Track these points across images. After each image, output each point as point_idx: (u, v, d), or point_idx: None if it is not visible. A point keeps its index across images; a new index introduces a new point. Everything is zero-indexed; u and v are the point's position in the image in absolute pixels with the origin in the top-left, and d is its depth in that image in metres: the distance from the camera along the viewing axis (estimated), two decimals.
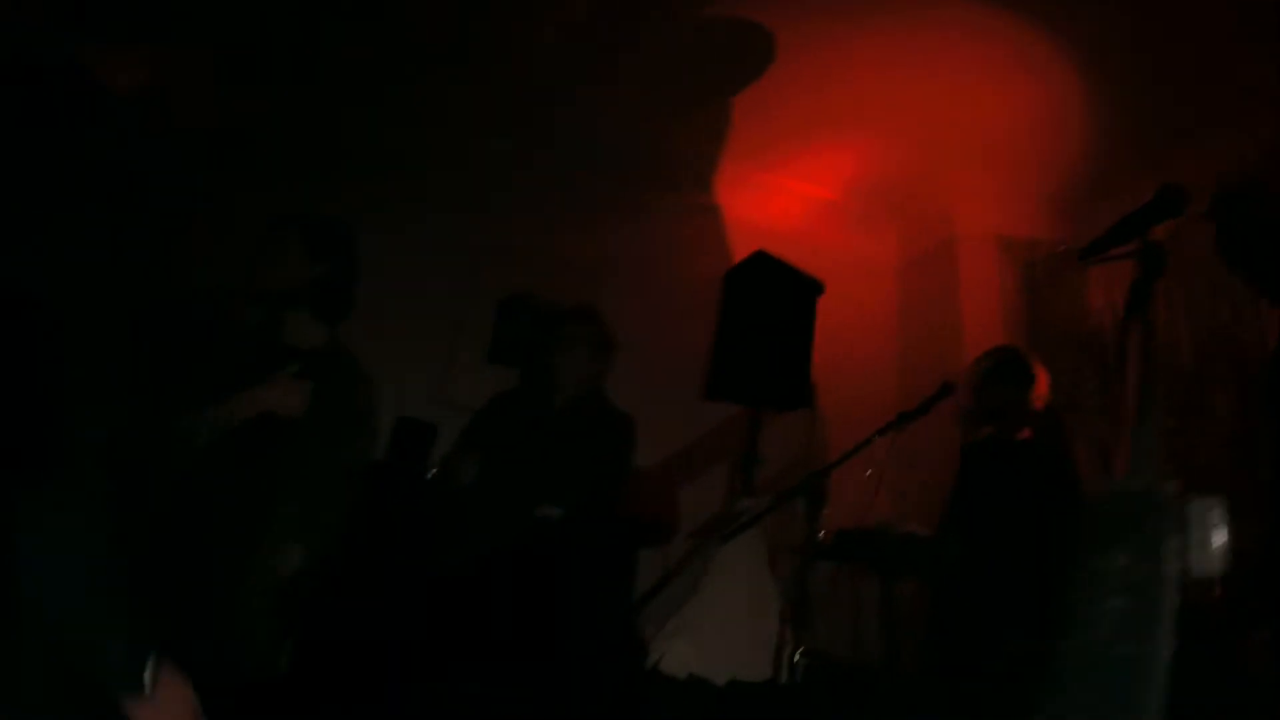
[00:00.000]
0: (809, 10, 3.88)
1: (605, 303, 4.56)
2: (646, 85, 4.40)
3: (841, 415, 4.33)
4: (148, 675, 1.08)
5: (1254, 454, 3.57)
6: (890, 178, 4.94)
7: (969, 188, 4.87)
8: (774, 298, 3.99)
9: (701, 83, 4.39)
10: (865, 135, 4.65)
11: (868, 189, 5.13)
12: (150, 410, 2.11)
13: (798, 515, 3.57)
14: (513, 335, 4.31)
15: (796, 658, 3.12)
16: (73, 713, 1.10)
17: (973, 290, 4.87)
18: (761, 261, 4.00)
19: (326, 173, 4.07)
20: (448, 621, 2.85)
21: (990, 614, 3.00)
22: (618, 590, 3.72)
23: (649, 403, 4.55)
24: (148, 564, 1.23)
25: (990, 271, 4.91)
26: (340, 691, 2.80)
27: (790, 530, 4.45)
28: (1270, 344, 3.24)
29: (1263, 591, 1.72)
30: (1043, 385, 3.27)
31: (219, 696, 1.22)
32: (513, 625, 2.84)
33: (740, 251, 4.28)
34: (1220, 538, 0.45)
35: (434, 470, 3.14)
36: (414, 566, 3.04)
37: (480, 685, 2.70)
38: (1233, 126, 3.87)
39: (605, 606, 3.45)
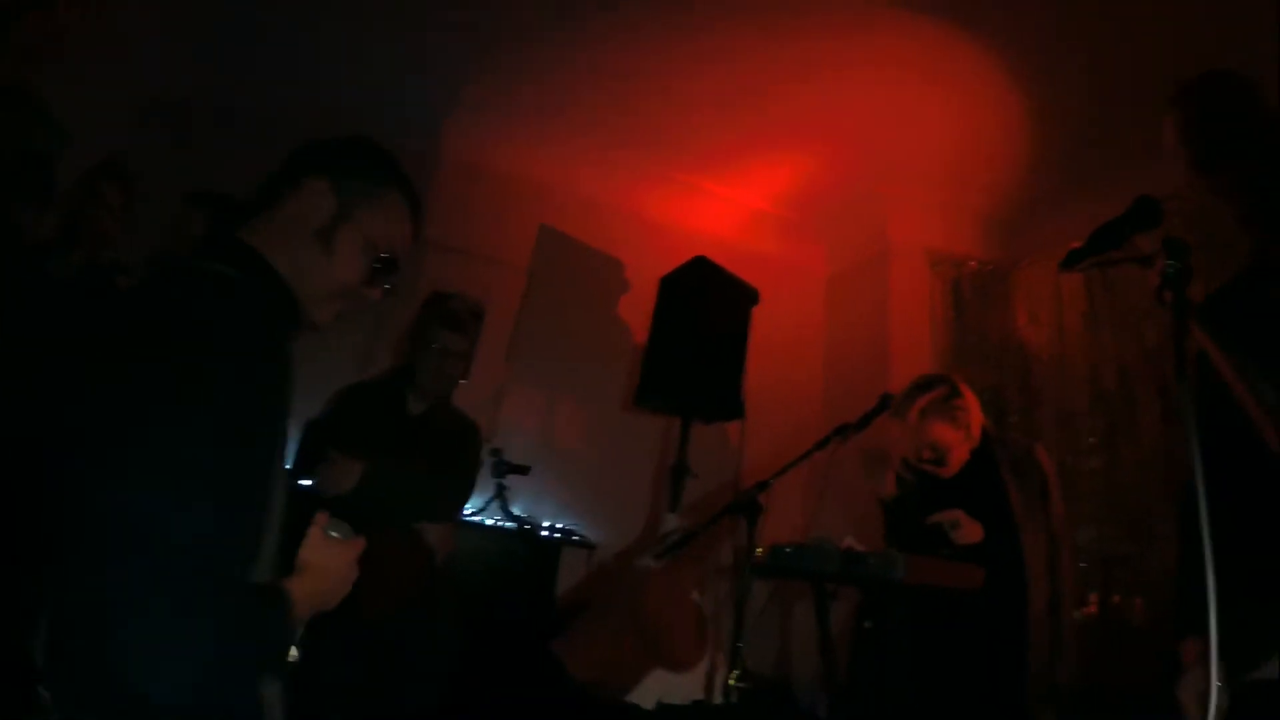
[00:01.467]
0: (756, 24, 3.81)
1: (537, 303, 4.42)
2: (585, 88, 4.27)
3: (766, 427, 4.22)
4: None
5: (1176, 474, 3.63)
6: (825, 191, 4.93)
7: (902, 203, 4.90)
8: (711, 304, 3.88)
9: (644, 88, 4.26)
10: (802, 148, 4.63)
11: (802, 201, 5.09)
12: None
13: (731, 531, 3.44)
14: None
15: (732, 680, 2.98)
16: None
17: (902, 303, 4.87)
18: (700, 267, 3.89)
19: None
20: None
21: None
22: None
23: (577, 409, 4.39)
24: None
25: (919, 285, 4.92)
26: None
27: (722, 547, 4.32)
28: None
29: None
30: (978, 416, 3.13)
31: None
32: None
33: (675, 258, 4.15)
34: None
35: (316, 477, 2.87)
36: None
37: None
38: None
39: None
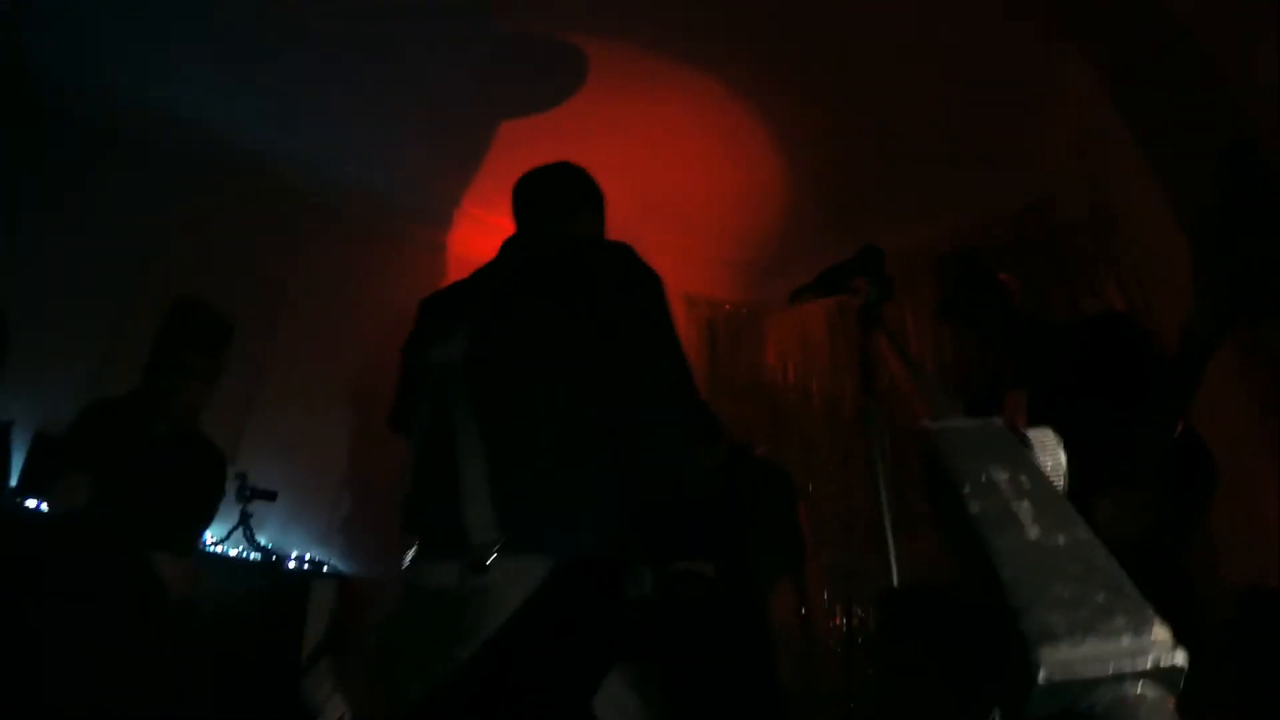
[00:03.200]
0: (533, 64, 3.93)
1: (292, 320, 4.20)
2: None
3: None
4: None
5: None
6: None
7: (662, 247, 5.12)
8: None
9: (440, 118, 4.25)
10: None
11: None
12: None
13: None
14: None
15: None
16: None
17: None
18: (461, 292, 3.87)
19: None
20: None
21: None
22: None
23: (333, 431, 4.20)
24: None
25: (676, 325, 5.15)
26: None
27: None
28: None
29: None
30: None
31: None
32: None
33: (440, 282, 4.12)
34: (1062, 461, 0.41)
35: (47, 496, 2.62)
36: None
37: None
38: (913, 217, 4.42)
39: None
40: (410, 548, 1.54)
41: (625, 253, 1.66)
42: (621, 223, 4.84)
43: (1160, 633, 0.28)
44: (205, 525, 3.04)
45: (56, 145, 3.85)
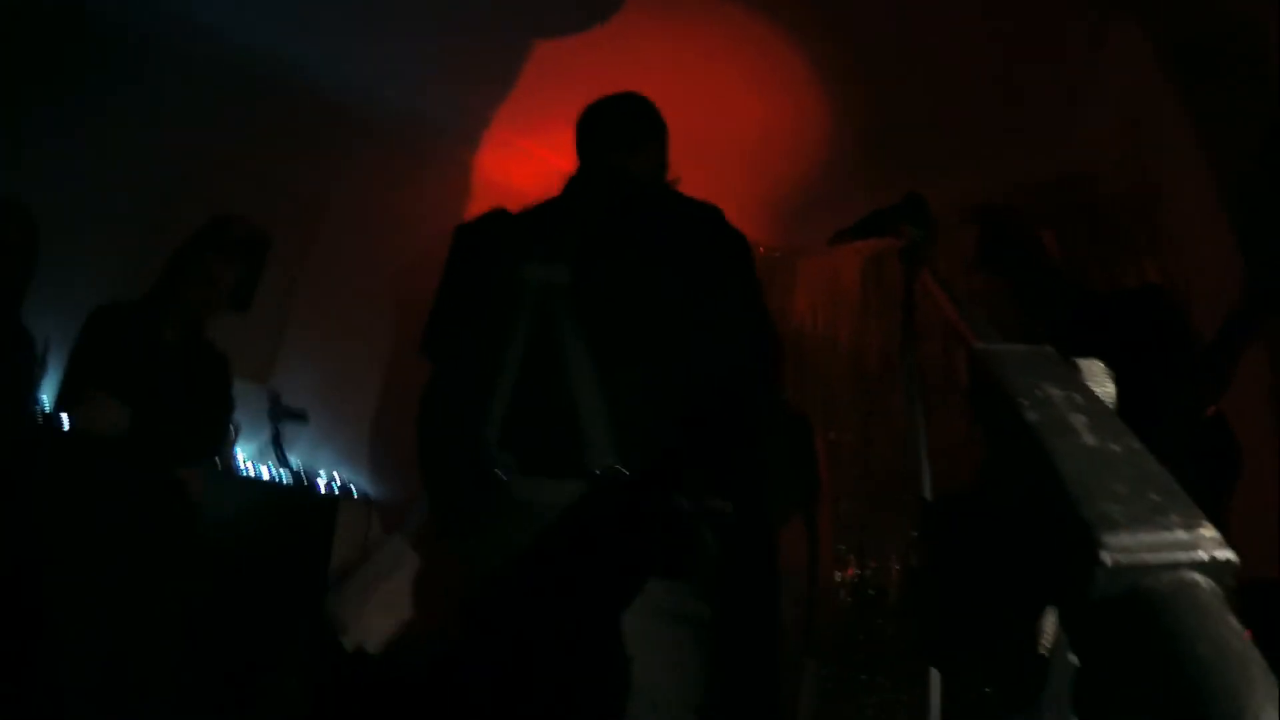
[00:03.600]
0: None
1: (326, 243, 4.19)
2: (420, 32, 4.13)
3: None
4: None
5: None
6: None
7: (697, 185, 5.06)
8: None
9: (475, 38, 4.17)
10: None
11: None
12: None
13: None
14: None
15: None
16: None
17: None
18: (498, 219, 3.85)
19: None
20: None
21: None
22: None
23: (365, 354, 4.24)
24: None
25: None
26: None
27: None
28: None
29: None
30: None
31: None
32: None
33: (479, 208, 4.11)
34: (1111, 390, 0.42)
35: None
36: None
37: None
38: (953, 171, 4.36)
39: None
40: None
41: (717, 215, 1.82)
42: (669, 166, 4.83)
43: (1211, 530, 0.29)
44: (222, 435, 3.06)
45: (92, 55, 3.78)
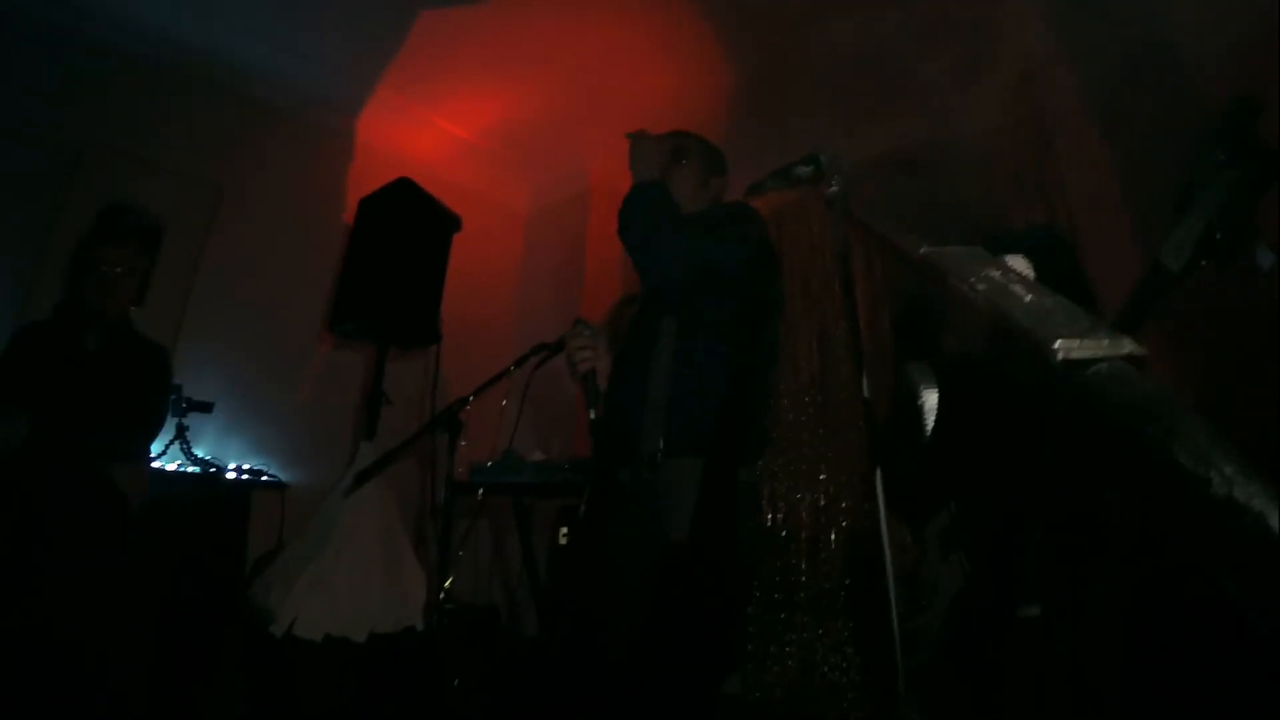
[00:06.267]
0: None
1: (227, 225, 4.07)
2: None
3: (461, 354, 4.31)
4: None
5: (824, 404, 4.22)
6: (532, 127, 5.02)
7: (606, 146, 5.10)
8: (412, 228, 3.86)
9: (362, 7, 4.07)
10: (514, 83, 4.65)
11: (508, 135, 5.16)
12: None
13: (433, 452, 3.48)
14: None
15: (442, 597, 3.07)
16: None
17: (598, 240, 5.13)
18: (402, 189, 3.84)
19: None
20: None
21: None
22: None
23: (268, 339, 4.16)
24: None
25: (615, 226, 5.21)
26: None
27: (423, 471, 4.34)
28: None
29: None
30: None
31: None
32: None
33: (377, 181, 4.06)
34: (1030, 275, 0.53)
35: None
36: None
37: None
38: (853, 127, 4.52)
39: None
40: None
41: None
42: (571, 126, 4.87)
43: (1127, 338, 0.39)
44: (157, 423, 3.03)
45: None
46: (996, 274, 0.50)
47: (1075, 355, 0.37)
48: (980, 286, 0.47)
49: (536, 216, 5.70)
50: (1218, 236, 1.42)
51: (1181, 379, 2.84)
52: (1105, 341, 0.38)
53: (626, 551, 1.86)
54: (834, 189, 1.36)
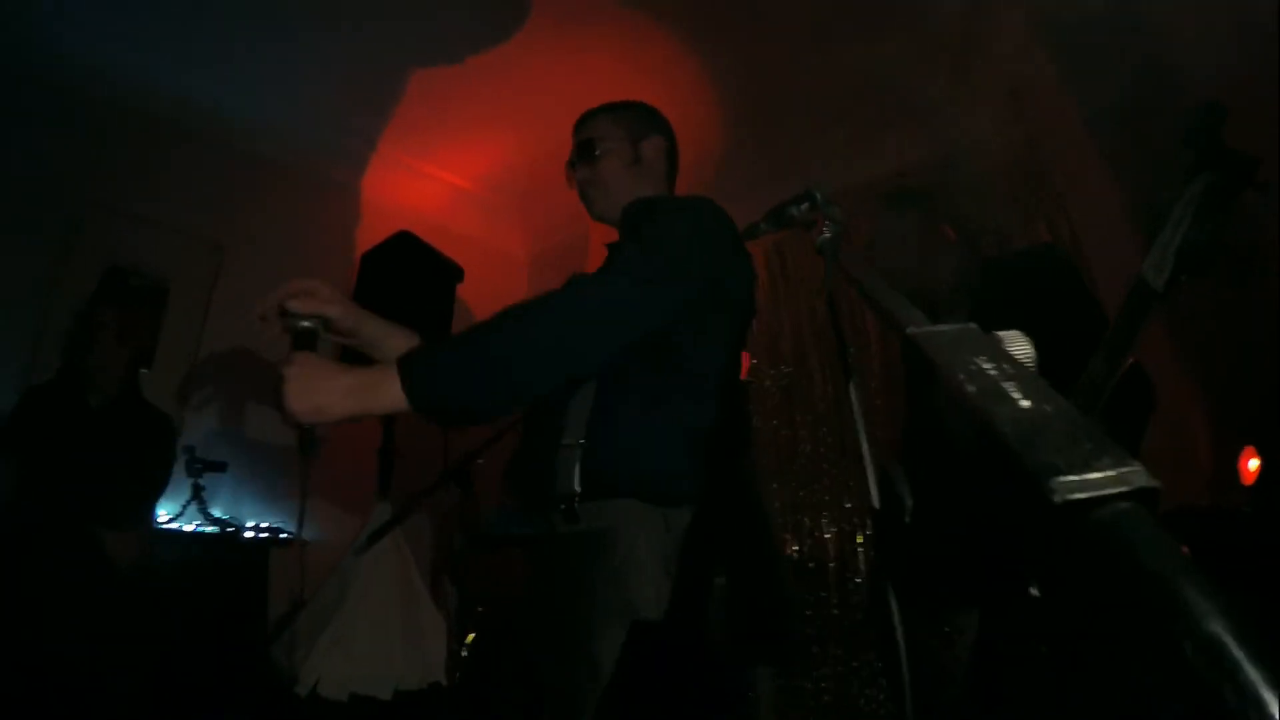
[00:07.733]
0: (470, 7, 3.85)
1: (230, 281, 4.07)
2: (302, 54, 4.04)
3: None
4: None
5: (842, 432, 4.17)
6: (530, 173, 5.02)
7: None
8: (415, 280, 3.85)
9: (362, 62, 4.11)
10: (509, 131, 4.66)
11: (507, 182, 5.18)
12: None
13: (449, 505, 3.45)
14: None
15: (466, 644, 3.02)
16: None
17: None
18: (404, 243, 3.84)
19: None
20: None
21: None
22: None
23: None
24: None
25: None
26: None
27: (439, 524, 4.29)
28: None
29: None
30: None
31: None
32: None
33: (379, 234, 4.06)
34: (1031, 352, 0.49)
35: None
36: None
37: None
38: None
39: None
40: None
41: None
42: (560, 165, 4.84)
43: (1137, 465, 0.34)
44: (155, 491, 3.01)
45: None
46: (989, 367, 0.45)
47: (1075, 497, 0.33)
48: (970, 388, 0.42)
49: (539, 261, 5.70)
50: (1195, 244, 1.37)
51: (1180, 373, 2.79)
52: (1112, 473, 0.33)
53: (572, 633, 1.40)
54: (825, 235, 1.32)
